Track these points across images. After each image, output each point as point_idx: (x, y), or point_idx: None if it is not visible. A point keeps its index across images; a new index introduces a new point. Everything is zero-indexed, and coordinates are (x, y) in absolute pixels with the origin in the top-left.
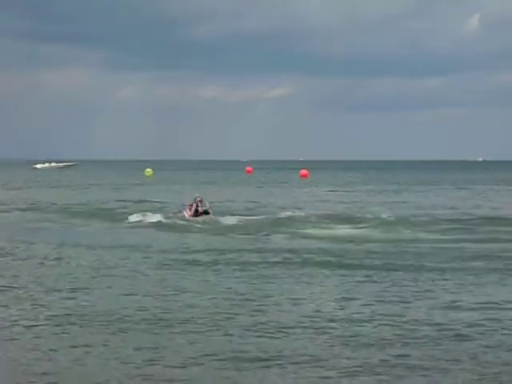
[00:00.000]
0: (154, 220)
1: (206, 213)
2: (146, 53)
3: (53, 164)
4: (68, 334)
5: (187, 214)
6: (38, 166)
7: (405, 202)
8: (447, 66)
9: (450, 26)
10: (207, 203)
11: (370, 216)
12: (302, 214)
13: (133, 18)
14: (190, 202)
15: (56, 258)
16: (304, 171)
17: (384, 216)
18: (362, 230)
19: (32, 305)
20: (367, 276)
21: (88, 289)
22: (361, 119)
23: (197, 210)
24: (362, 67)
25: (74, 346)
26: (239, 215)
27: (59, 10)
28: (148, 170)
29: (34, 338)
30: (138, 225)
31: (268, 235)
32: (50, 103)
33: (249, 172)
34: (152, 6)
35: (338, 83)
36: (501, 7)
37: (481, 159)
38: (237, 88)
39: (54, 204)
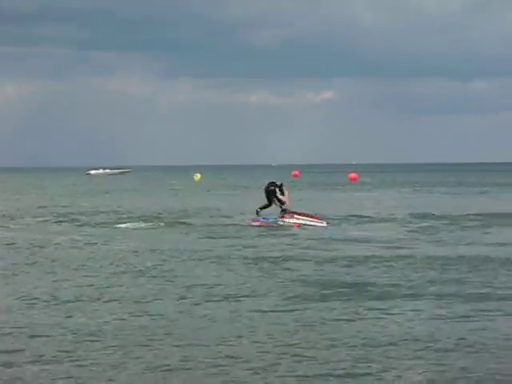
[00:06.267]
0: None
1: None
2: (197, 59)
3: (107, 170)
4: None
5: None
6: (92, 172)
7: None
8: (499, 68)
9: (503, 26)
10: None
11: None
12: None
13: (182, 24)
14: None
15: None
16: (353, 174)
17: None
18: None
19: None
20: None
21: None
22: (411, 122)
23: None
24: (411, 69)
25: None
26: None
27: (113, 18)
28: (197, 175)
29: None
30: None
31: None
32: (101, 110)
33: (295, 176)
34: (200, 13)
35: (386, 86)
36: None
37: None
38: (284, 93)
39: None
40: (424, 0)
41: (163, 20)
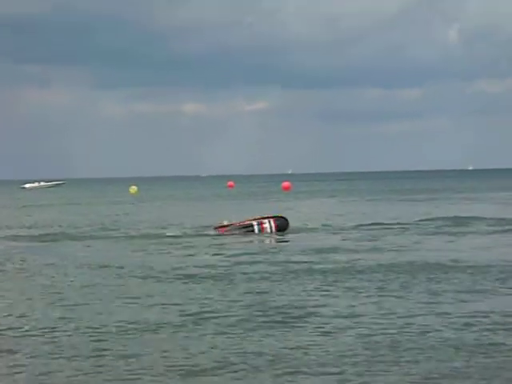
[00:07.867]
0: None
1: None
2: (125, 70)
3: (42, 183)
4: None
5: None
6: (27, 185)
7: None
8: (426, 76)
9: (429, 36)
10: None
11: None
12: None
13: (111, 35)
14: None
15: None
16: (286, 183)
17: None
18: None
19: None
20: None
21: None
22: (344, 130)
23: None
24: (340, 80)
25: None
26: None
27: (39, 31)
28: (133, 187)
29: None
30: None
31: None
32: (29, 123)
33: (231, 187)
34: (130, 23)
35: (319, 96)
36: (479, 17)
37: (471, 168)
38: (214, 103)
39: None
40: (345, 15)
41: (95, 29)
